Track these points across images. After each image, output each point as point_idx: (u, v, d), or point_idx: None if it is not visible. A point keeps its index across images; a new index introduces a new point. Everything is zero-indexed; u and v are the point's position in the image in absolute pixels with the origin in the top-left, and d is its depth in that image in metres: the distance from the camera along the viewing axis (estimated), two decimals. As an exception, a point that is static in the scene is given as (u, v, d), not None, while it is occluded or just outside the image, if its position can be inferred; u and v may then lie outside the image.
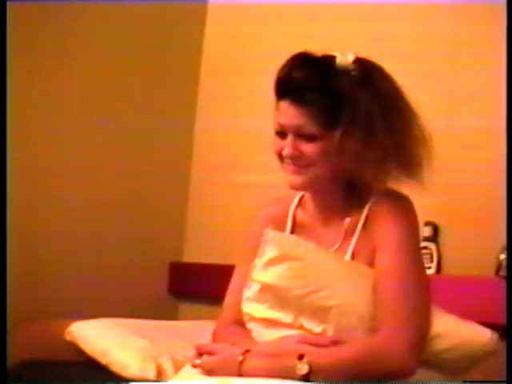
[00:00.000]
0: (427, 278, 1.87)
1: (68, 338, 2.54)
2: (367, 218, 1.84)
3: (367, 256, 1.80)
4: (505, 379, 1.46)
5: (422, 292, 1.77)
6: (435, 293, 2.53)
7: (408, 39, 2.95)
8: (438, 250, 2.69)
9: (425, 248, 2.67)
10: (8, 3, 2.28)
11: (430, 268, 2.66)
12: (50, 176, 3.00)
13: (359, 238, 1.83)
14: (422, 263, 1.92)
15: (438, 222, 2.70)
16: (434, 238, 2.69)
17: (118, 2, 3.17)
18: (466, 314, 1.92)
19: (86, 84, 3.11)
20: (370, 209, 1.85)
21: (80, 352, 2.47)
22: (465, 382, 1.81)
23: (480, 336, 1.88)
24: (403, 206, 1.86)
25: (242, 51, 3.43)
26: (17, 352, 2.62)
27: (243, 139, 3.36)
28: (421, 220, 2.65)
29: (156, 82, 3.36)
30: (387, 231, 1.79)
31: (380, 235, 1.80)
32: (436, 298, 2.52)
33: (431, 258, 2.67)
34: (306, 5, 3.23)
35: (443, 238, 2.70)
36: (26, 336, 2.69)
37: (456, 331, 1.86)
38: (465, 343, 1.85)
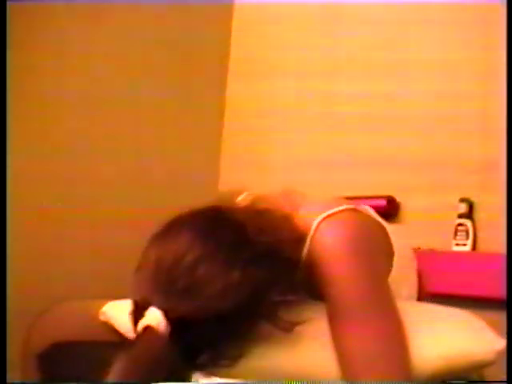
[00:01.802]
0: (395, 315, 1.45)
1: (102, 318, 2.54)
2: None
3: None
4: (505, 379, 1.42)
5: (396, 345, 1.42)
6: (470, 271, 2.54)
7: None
8: (474, 227, 2.65)
9: (460, 225, 2.64)
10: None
11: (465, 245, 2.62)
12: (74, 150, 3.02)
13: None
14: (387, 296, 1.47)
15: (473, 198, 2.66)
16: (469, 214, 2.66)
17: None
18: (501, 291, 1.88)
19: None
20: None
21: (114, 332, 2.48)
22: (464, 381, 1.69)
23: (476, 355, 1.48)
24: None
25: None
26: (49, 333, 2.63)
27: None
28: (456, 197, 2.66)
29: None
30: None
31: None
32: (471, 275, 2.52)
33: (467, 235, 2.64)
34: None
35: (479, 214, 2.66)
36: (57, 317, 2.69)
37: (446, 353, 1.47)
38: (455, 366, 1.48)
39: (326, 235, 1.45)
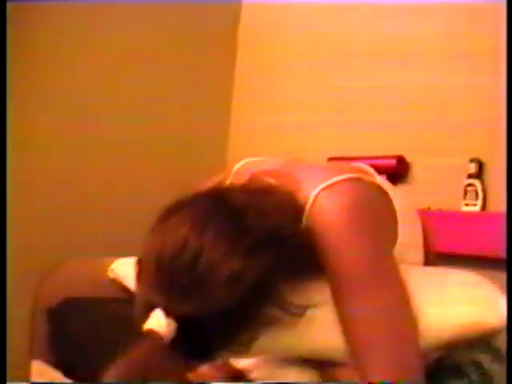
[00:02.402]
0: (401, 282, 1.41)
1: (111, 275, 2.55)
2: None
3: None
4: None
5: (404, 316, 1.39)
6: (480, 230, 2.53)
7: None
8: (483, 187, 2.64)
9: (470, 185, 2.63)
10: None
11: (475, 205, 2.61)
12: (87, 112, 3.02)
13: None
14: (391, 262, 1.43)
15: (483, 158, 2.64)
16: (479, 174, 2.64)
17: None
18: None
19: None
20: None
21: (123, 289, 2.49)
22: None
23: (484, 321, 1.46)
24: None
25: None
26: (58, 290, 2.65)
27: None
28: (466, 157, 2.64)
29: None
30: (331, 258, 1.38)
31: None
32: (481, 235, 2.52)
33: (476, 195, 2.62)
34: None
35: (488, 174, 2.65)
36: (66, 274, 2.71)
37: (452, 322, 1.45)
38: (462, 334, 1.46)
39: (322, 208, 1.38)
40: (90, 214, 3.05)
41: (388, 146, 2.85)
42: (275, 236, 1.30)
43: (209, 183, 1.45)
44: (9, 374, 2.71)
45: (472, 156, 2.64)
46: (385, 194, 1.50)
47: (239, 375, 1.58)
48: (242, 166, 1.62)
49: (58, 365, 2.57)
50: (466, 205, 2.63)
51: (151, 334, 1.25)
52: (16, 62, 2.73)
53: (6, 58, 2.37)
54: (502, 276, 1.63)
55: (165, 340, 1.25)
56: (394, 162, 2.79)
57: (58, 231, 2.98)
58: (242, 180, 1.48)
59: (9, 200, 2.77)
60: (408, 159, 2.83)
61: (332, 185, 1.41)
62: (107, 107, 3.16)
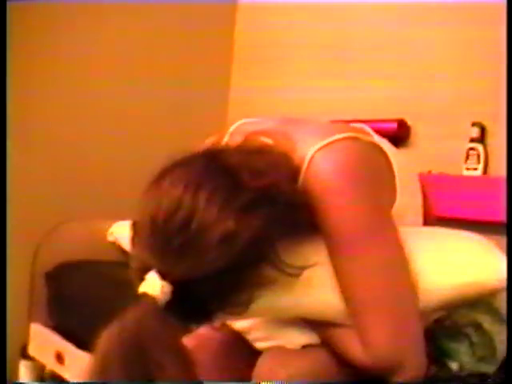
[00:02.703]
0: (398, 242, 1.40)
1: (110, 238, 2.54)
2: None
3: None
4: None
5: (401, 276, 1.38)
6: (481, 195, 2.52)
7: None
8: (485, 151, 2.62)
9: (472, 149, 2.61)
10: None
11: (476, 169, 2.60)
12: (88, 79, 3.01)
13: None
14: (389, 224, 1.40)
15: (485, 122, 2.62)
16: (481, 138, 2.62)
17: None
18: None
19: None
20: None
21: (122, 252, 2.48)
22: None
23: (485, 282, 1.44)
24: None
25: None
26: (56, 253, 2.65)
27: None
28: (468, 120, 2.62)
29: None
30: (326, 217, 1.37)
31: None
32: (482, 199, 2.50)
33: (478, 159, 2.61)
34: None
35: (491, 138, 2.63)
36: (65, 236, 2.70)
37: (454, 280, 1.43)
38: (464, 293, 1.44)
39: (318, 167, 1.36)
40: (90, 178, 3.04)
41: (389, 110, 2.83)
42: (270, 195, 1.28)
43: (204, 145, 1.43)
44: (8, 337, 2.74)
45: (474, 120, 2.62)
46: (383, 153, 1.47)
47: (237, 336, 1.57)
48: (237, 126, 1.60)
49: (57, 328, 2.57)
50: (468, 169, 2.62)
51: (145, 297, 1.23)
52: (16, 33, 2.71)
53: (6, 56, 2.37)
54: (503, 240, 1.61)
55: (159, 303, 1.23)
56: (395, 125, 2.77)
57: (57, 195, 2.97)
58: (237, 140, 1.45)
59: (8, 165, 2.78)
60: (409, 123, 2.81)
61: (329, 144, 1.38)
62: (106, 73, 3.14)
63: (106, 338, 1.21)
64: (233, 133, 1.57)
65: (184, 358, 1.24)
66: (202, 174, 1.28)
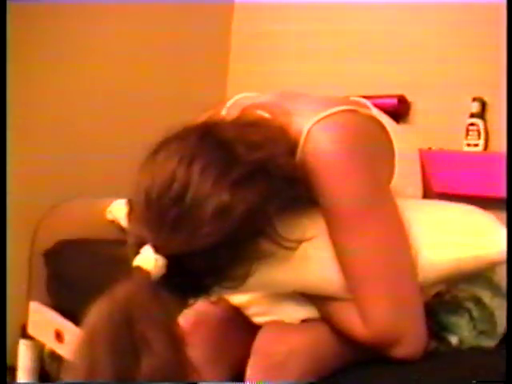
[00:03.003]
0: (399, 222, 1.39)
1: (109, 216, 2.53)
2: None
3: None
4: (504, 379, 1.38)
5: (400, 255, 1.38)
6: (482, 170, 2.50)
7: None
8: (486, 127, 2.60)
9: (472, 124, 2.59)
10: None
11: (477, 145, 2.58)
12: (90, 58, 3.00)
13: None
14: (388, 198, 1.40)
15: (486, 97, 2.60)
16: (481, 114, 2.60)
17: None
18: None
19: None
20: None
21: (121, 230, 2.47)
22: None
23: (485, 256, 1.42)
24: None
25: None
26: (55, 231, 2.64)
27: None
28: (468, 95, 2.61)
29: None
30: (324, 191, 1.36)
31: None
32: (483, 175, 2.49)
33: (478, 134, 2.59)
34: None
35: (491, 114, 2.61)
36: (64, 215, 2.70)
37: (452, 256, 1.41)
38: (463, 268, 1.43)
39: (316, 140, 1.34)
40: (88, 157, 3.02)
41: (389, 86, 2.81)
42: (266, 168, 1.27)
43: (200, 118, 1.42)
44: (8, 316, 2.74)
45: (475, 95, 2.60)
46: (382, 127, 1.46)
47: (235, 311, 1.56)
48: (235, 101, 1.58)
49: (56, 306, 2.57)
50: (468, 145, 2.60)
51: (138, 270, 1.22)
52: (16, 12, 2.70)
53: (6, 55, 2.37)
54: (504, 216, 1.60)
55: (152, 277, 1.22)
56: (394, 101, 2.75)
57: (55, 174, 2.96)
58: (234, 114, 1.44)
59: (8, 144, 2.77)
60: (409, 99, 2.79)
61: (326, 117, 1.37)
62: (107, 52, 3.13)
63: (95, 310, 1.19)
64: (230, 107, 1.55)
65: (174, 336, 1.21)
66: (196, 148, 1.26)
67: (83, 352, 1.19)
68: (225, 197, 1.22)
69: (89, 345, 1.18)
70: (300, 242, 1.32)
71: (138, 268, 1.22)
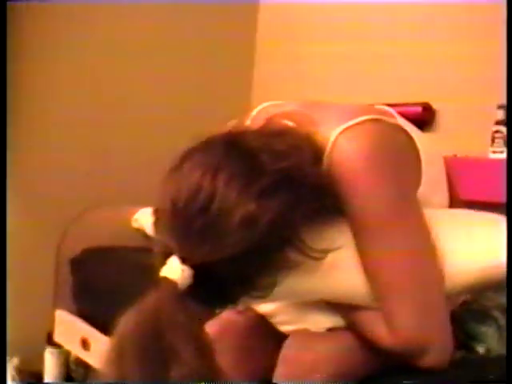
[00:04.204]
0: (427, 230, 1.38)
1: (135, 225, 2.54)
2: None
3: None
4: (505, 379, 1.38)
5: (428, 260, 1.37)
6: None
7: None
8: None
9: (497, 132, 2.58)
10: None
11: (502, 152, 2.57)
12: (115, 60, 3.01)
13: None
14: (415, 208, 1.40)
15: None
16: (507, 121, 2.59)
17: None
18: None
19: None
20: None
21: (147, 238, 2.48)
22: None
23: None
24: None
25: None
26: (81, 239, 2.66)
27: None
28: (493, 102, 2.60)
29: None
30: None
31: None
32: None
33: (504, 142, 2.58)
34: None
35: (517, 121, 2.60)
36: (90, 223, 2.71)
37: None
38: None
39: (342, 150, 1.34)
40: (115, 164, 3.04)
41: (414, 93, 2.81)
42: (291, 178, 1.27)
43: (225, 128, 1.42)
44: (33, 324, 2.76)
45: (500, 102, 2.59)
46: (407, 135, 1.46)
47: (262, 320, 1.56)
48: (260, 110, 1.58)
49: (82, 314, 2.58)
50: (494, 152, 2.59)
51: (165, 281, 1.23)
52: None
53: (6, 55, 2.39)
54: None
55: (179, 287, 1.23)
56: (419, 109, 2.75)
57: (82, 182, 2.99)
58: (259, 124, 1.45)
59: (34, 151, 2.79)
60: (434, 106, 2.78)
61: (352, 126, 1.36)
62: (130, 57, 3.14)
63: (124, 320, 1.21)
64: (255, 116, 1.56)
65: (202, 344, 1.23)
66: (221, 158, 1.27)
67: (113, 361, 1.21)
68: (251, 207, 1.22)
69: (118, 354, 1.20)
70: (327, 251, 1.32)
71: (165, 279, 1.23)
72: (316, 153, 1.35)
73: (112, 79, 3.09)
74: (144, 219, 2.52)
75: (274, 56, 3.50)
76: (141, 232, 2.53)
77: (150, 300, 1.22)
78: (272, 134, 1.35)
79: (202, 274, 1.24)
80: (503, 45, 2.61)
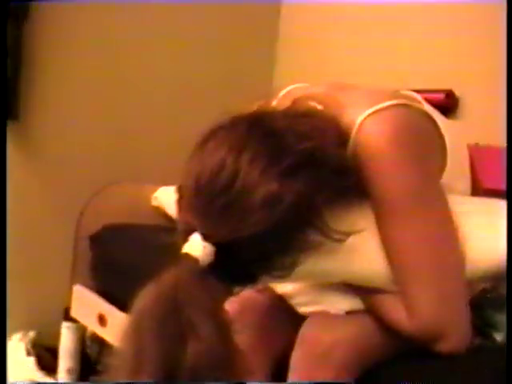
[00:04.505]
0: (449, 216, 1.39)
1: (154, 203, 2.55)
2: None
3: None
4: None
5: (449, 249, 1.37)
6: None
7: None
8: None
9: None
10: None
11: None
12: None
13: None
14: (439, 193, 1.40)
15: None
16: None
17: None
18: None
19: None
20: None
21: (166, 217, 2.49)
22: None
23: None
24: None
25: None
26: (101, 216, 2.66)
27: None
28: None
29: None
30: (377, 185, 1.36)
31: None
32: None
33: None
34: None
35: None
36: (109, 200, 2.71)
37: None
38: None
39: (369, 133, 1.34)
40: (135, 142, 3.05)
41: (437, 80, 2.79)
42: (315, 159, 1.27)
43: (250, 108, 1.43)
44: (51, 298, 2.77)
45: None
46: (433, 121, 1.46)
47: (280, 300, 1.57)
48: (287, 91, 1.59)
49: (99, 290, 2.59)
50: (516, 141, 2.57)
51: (186, 257, 1.24)
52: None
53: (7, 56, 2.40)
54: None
55: (200, 263, 1.24)
56: (442, 96, 2.73)
57: (102, 158, 2.99)
58: (285, 104, 1.45)
59: (53, 129, 2.80)
60: (457, 93, 2.77)
61: (379, 110, 1.37)
62: (154, 41, 3.13)
63: (143, 295, 1.22)
64: (282, 97, 1.56)
65: (220, 322, 1.23)
66: (245, 137, 1.27)
67: (130, 336, 1.21)
68: (273, 186, 1.23)
69: (136, 329, 1.21)
70: (349, 234, 1.32)
71: (187, 255, 1.24)
72: (341, 135, 1.35)
73: (135, 59, 3.09)
74: (164, 197, 2.53)
75: (296, 46, 3.48)
76: (160, 210, 2.54)
77: (170, 275, 1.23)
78: (297, 115, 1.36)
79: (224, 251, 1.25)
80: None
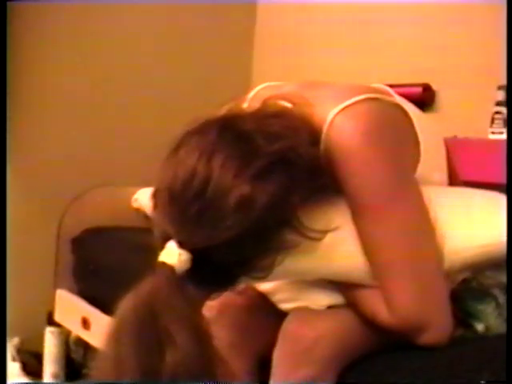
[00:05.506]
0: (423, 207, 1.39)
1: (134, 204, 2.55)
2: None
3: None
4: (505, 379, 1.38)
5: (425, 241, 1.38)
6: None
7: None
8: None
9: (497, 113, 2.58)
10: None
11: (502, 133, 2.57)
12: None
13: None
14: (412, 186, 1.40)
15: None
16: (506, 102, 2.59)
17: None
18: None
19: None
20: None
21: (147, 219, 2.48)
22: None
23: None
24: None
25: None
26: (82, 219, 2.66)
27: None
28: (493, 83, 2.59)
29: None
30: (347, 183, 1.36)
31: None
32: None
33: (504, 123, 2.58)
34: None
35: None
36: (91, 203, 2.71)
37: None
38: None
39: (340, 129, 1.34)
40: (115, 144, 3.05)
41: (414, 74, 2.80)
42: (287, 159, 1.27)
43: (220, 111, 1.42)
44: (34, 303, 2.76)
45: (500, 83, 2.59)
46: (405, 113, 1.46)
47: (261, 298, 1.57)
48: (257, 91, 1.58)
49: (83, 293, 2.59)
50: (493, 133, 2.59)
51: (162, 266, 1.24)
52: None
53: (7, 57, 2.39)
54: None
55: (176, 271, 1.24)
56: (419, 89, 2.74)
57: (82, 162, 2.99)
58: (255, 105, 1.44)
59: (33, 132, 2.80)
60: (434, 87, 2.78)
61: (349, 106, 1.37)
62: (132, 44, 3.14)
63: (122, 304, 1.22)
64: (251, 98, 1.55)
65: (198, 329, 1.23)
66: (216, 142, 1.27)
67: (110, 344, 1.22)
68: (246, 189, 1.23)
69: (115, 338, 1.21)
70: (325, 232, 1.33)
71: (163, 263, 1.24)
72: (313, 133, 1.35)
73: (114, 62, 3.09)
74: (144, 199, 2.53)
75: (272, 45, 3.49)
76: (141, 212, 2.53)
77: (147, 284, 1.23)
78: (267, 116, 1.35)
79: (200, 257, 1.25)
80: (503, 26, 2.61)
